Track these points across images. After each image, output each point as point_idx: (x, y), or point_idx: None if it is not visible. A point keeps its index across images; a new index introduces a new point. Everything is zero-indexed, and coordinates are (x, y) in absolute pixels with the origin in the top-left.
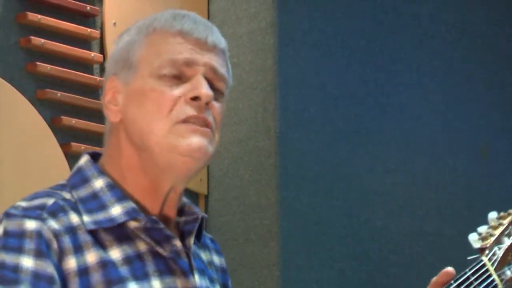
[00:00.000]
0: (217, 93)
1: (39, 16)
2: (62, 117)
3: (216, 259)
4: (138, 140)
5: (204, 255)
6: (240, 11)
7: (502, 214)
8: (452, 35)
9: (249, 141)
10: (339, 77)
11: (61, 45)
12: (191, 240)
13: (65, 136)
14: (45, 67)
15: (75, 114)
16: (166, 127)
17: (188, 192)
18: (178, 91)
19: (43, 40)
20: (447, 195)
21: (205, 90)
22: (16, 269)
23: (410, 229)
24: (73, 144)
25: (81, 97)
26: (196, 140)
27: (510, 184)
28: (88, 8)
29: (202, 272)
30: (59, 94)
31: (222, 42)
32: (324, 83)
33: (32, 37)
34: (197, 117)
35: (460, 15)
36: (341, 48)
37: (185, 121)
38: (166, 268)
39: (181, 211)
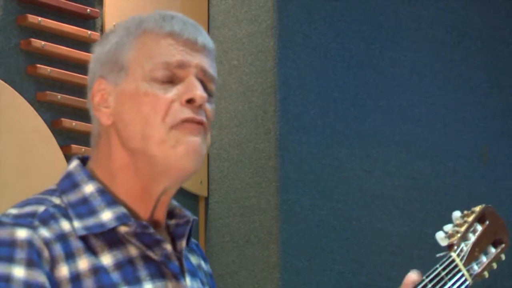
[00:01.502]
0: (208, 94)
1: (40, 18)
2: (62, 119)
3: (203, 264)
4: (136, 143)
5: (193, 259)
6: (240, 13)
7: (466, 212)
8: (452, 38)
9: (249, 143)
10: (339, 79)
11: (61, 47)
12: (183, 243)
13: (65, 138)
14: (45, 69)
15: (75, 116)
16: (163, 131)
17: (188, 194)
18: (171, 94)
19: (43, 42)
20: (447, 198)
21: (199, 92)
22: (7, 279)
23: (410, 232)
24: (73, 146)
25: (81, 99)
26: (192, 140)
27: (510, 187)
28: (88, 10)
29: (194, 275)
30: (59, 96)
31: (211, 42)
32: (324, 86)
33: (32, 39)
34: (194, 118)
35: (460, 18)
36: (341, 51)
37: (182, 123)
38: (158, 271)
39: (170, 214)
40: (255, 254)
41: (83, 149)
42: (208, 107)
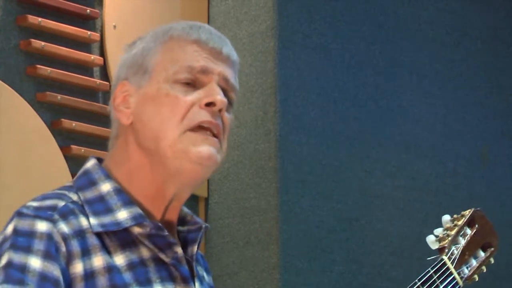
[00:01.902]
0: (228, 102)
1: (39, 19)
2: (62, 119)
3: (206, 276)
4: (150, 143)
5: (198, 269)
6: (240, 14)
7: (455, 216)
8: (452, 38)
9: (249, 144)
10: (339, 80)
11: (61, 47)
12: (195, 248)
13: (65, 139)
14: (45, 70)
15: (75, 117)
16: (178, 132)
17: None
18: (192, 97)
19: (43, 43)
20: (447, 198)
21: (220, 97)
22: (23, 268)
23: (410, 233)
24: (73, 147)
25: (81, 99)
26: (206, 149)
27: (510, 187)
28: (88, 10)
29: (203, 280)
30: (59, 97)
31: (235, 55)
32: (324, 86)
33: (32, 40)
34: (211, 122)
35: (460, 18)
36: (341, 51)
37: (198, 127)
38: (168, 274)
39: (182, 221)
40: (255, 255)
41: (82, 150)
42: (227, 115)
